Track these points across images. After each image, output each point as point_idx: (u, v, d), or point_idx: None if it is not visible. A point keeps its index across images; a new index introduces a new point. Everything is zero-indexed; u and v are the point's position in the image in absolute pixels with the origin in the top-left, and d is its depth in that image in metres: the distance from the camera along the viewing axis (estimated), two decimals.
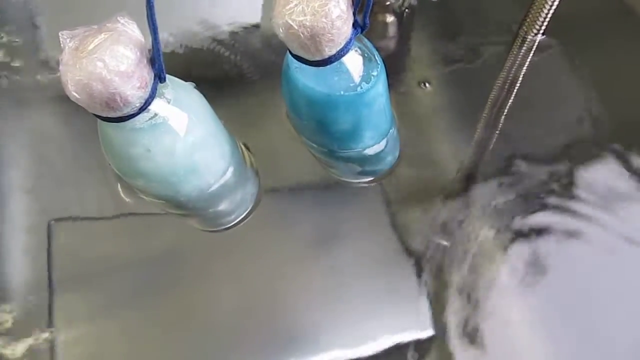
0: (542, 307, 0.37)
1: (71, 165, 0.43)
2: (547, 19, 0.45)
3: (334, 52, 0.30)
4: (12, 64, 0.48)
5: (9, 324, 0.36)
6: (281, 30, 0.29)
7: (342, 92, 0.33)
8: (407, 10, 0.50)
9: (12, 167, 0.42)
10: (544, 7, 0.44)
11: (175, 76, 0.34)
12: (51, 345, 0.36)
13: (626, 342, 0.36)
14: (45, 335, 0.36)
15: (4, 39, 0.49)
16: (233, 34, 0.49)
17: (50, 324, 0.36)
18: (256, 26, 0.50)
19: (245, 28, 0.50)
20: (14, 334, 0.36)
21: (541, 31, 0.47)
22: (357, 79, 0.33)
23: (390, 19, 0.50)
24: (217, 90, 0.45)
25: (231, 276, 0.38)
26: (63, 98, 0.45)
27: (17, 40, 0.49)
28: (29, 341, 0.36)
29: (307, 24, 0.28)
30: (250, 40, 0.49)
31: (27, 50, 0.48)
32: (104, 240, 0.40)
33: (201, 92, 0.36)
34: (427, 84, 0.46)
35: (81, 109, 0.29)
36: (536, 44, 0.48)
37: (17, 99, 0.46)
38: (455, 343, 0.36)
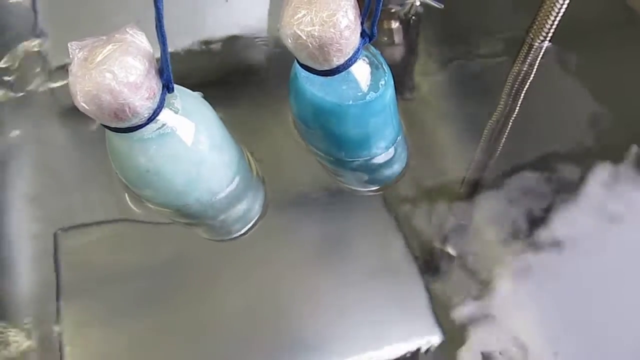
0: (547, 311, 0.37)
1: (77, 173, 0.43)
2: (554, 26, 0.45)
3: (342, 61, 0.30)
4: (18, 74, 0.48)
5: (14, 332, 0.36)
6: (289, 40, 0.29)
7: (350, 102, 0.33)
8: (413, 17, 0.50)
9: (19, 176, 0.43)
10: (551, 14, 0.44)
11: (183, 86, 0.34)
12: (59, 352, 0.36)
13: (627, 343, 0.36)
14: (53, 342, 0.36)
15: (10, 49, 0.49)
16: (240, 43, 0.49)
17: (57, 331, 0.36)
18: (263, 35, 0.50)
19: (252, 37, 0.50)
20: (21, 339, 0.36)
21: (548, 38, 0.47)
22: (365, 88, 0.33)
23: (396, 26, 0.50)
24: (224, 100, 0.45)
25: (238, 285, 0.38)
26: (68, 107, 0.45)
27: (22, 50, 0.49)
28: (36, 348, 0.36)
29: (316, 34, 0.28)
30: (257, 49, 0.49)
31: (32, 60, 0.49)
32: (111, 248, 0.40)
33: (208, 101, 0.36)
34: (433, 91, 0.46)
35: (87, 118, 0.29)
36: (543, 50, 0.48)
37: (22, 108, 0.46)
38: (462, 350, 0.36)
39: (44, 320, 0.37)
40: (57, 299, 0.37)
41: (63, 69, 0.48)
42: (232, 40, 0.50)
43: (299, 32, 0.29)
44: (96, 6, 0.52)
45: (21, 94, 0.47)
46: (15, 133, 0.45)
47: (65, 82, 0.47)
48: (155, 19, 0.27)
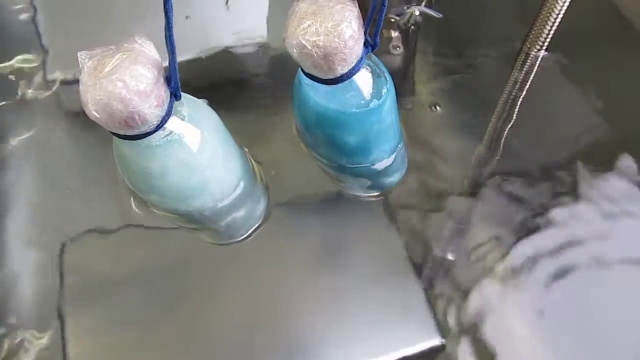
0: (545, 314, 0.37)
1: (82, 180, 0.43)
2: (550, 35, 0.46)
3: (346, 70, 0.31)
4: (22, 82, 0.48)
5: (20, 338, 0.37)
6: (295, 50, 0.30)
7: (353, 109, 0.33)
8: (412, 27, 0.50)
9: (22, 183, 0.43)
10: (547, 24, 0.45)
11: (188, 93, 0.34)
12: (62, 358, 0.36)
13: (626, 345, 0.37)
14: (55, 348, 0.36)
15: (14, 57, 0.49)
16: (244, 51, 0.50)
17: (60, 337, 0.36)
18: (266, 43, 0.51)
19: (255, 45, 0.50)
20: (25, 346, 0.36)
21: (544, 47, 0.47)
22: (367, 96, 0.34)
23: (395, 35, 0.50)
24: (228, 107, 0.45)
25: (241, 288, 0.39)
26: (72, 114, 0.46)
27: (26, 58, 0.49)
28: (39, 354, 0.36)
29: (321, 44, 0.29)
30: (261, 57, 0.50)
31: (36, 68, 0.49)
32: (115, 254, 0.40)
33: (213, 108, 0.36)
34: (433, 100, 0.47)
35: (91, 124, 0.29)
36: (539, 59, 0.48)
37: (26, 115, 0.46)
38: (461, 353, 0.36)
39: (47, 327, 0.37)
40: (61, 305, 0.38)
41: (66, 77, 0.48)
42: (236, 49, 0.50)
43: (304, 42, 0.29)
44: (98, 16, 0.52)
45: (24, 100, 0.47)
46: (19, 140, 0.45)
47: (68, 89, 0.47)
48: (165, 28, 0.28)
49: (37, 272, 0.39)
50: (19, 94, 0.47)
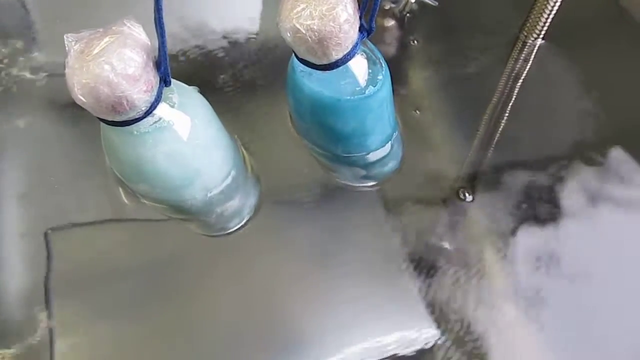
0: (543, 311, 0.37)
1: (69, 171, 0.42)
2: (547, 24, 0.46)
3: (340, 56, 0.30)
4: (8, 70, 0.47)
5: (6, 331, 0.36)
6: (288, 34, 0.29)
7: (349, 96, 0.33)
8: (407, 14, 0.50)
9: (9, 174, 0.42)
10: (544, 12, 0.45)
11: (179, 80, 0.34)
12: (49, 352, 0.35)
13: (625, 344, 0.36)
14: (43, 343, 0.36)
15: (1, 45, 0.49)
16: (236, 37, 0.49)
17: (48, 330, 0.36)
18: (259, 29, 0.50)
19: (248, 31, 0.50)
20: (10, 340, 0.36)
21: (541, 35, 0.47)
22: (363, 83, 0.33)
23: (390, 23, 0.50)
24: (219, 94, 0.45)
25: (232, 281, 0.38)
26: (59, 103, 0.45)
27: (13, 45, 0.49)
28: (26, 347, 0.35)
29: (315, 27, 0.28)
30: (253, 43, 0.49)
31: (23, 56, 0.48)
32: (104, 246, 0.39)
33: (204, 96, 0.36)
34: (429, 89, 0.47)
35: (78, 113, 0.29)
36: (536, 48, 0.48)
37: (10, 103, 0.45)
38: (457, 350, 0.36)
39: (34, 321, 0.36)
40: (48, 299, 0.37)
41: (53, 63, 0.47)
42: (228, 34, 0.49)
43: (298, 25, 0.29)
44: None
45: (10, 88, 0.46)
46: (4, 129, 0.44)
47: (55, 75, 0.46)
48: (154, 11, 0.27)
49: (24, 265, 0.38)
50: (5, 81, 0.46)
